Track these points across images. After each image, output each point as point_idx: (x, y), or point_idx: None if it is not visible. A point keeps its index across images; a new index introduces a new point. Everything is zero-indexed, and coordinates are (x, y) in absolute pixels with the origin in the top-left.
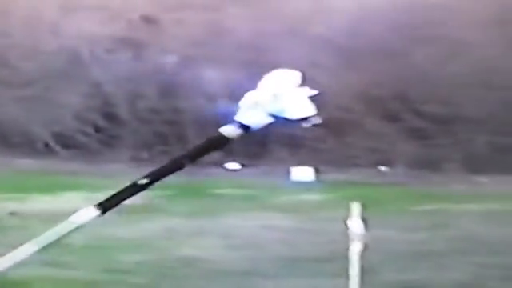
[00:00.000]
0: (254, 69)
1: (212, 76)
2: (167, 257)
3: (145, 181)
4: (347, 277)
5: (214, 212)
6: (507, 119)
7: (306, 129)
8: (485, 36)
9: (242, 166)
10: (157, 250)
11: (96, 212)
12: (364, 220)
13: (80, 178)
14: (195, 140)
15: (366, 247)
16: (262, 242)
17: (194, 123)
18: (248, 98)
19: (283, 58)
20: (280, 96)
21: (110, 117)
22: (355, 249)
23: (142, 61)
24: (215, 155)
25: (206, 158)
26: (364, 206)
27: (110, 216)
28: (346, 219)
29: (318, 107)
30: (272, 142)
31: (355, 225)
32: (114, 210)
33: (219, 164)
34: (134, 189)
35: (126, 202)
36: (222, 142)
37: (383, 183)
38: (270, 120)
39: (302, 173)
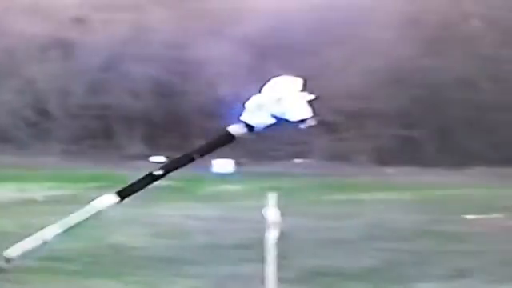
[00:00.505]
0: (178, 66)
1: (138, 73)
2: (98, 244)
3: (160, 172)
4: (264, 262)
5: (142, 202)
6: (414, 114)
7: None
8: (396, 35)
9: (167, 158)
10: (88, 237)
11: (116, 199)
12: (280, 209)
13: (11, 170)
14: (122, 135)
15: (281, 234)
16: (186, 230)
17: (121, 118)
18: (253, 100)
19: (205, 56)
20: (283, 99)
21: (42, 112)
22: (271, 236)
23: (72, 59)
24: (141, 148)
25: (132, 150)
26: (280, 196)
27: (43, 206)
28: (264, 208)
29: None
30: (194, 136)
31: (272, 213)
32: (51, 200)
33: (145, 157)
34: (150, 178)
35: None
36: (228, 140)
37: (299, 174)
38: (273, 121)
39: (223, 165)
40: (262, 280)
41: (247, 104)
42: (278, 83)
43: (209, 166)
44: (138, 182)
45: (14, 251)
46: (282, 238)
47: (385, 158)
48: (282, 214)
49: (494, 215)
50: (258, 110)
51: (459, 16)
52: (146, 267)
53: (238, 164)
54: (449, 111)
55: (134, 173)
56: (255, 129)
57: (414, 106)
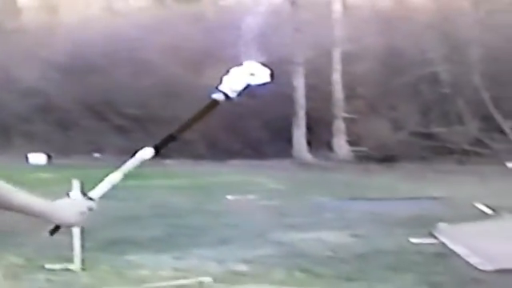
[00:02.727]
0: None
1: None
2: None
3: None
4: (71, 235)
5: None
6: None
7: (39, 126)
8: (165, 58)
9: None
10: None
11: (153, 151)
12: (84, 193)
13: None
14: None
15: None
16: None
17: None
18: (230, 74)
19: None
20: (253, 70)
21: None
22: None
23: None
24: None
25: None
26: (83, 183)
27: None
28: (69, 192)
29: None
30: (15, 135)
31: (75, 196)
32: None
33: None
34: (170, 138)
35: None
36: (214, 105)
37: (97, 166)
38: (244, 87)
39: (37, 158)
40: (72, 248)
41: (224, 77)
42: (248, 65)
43: (26, 158)
44: (165, 140)
45: (95, 195)
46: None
47: (164, 152)
48: (86, 197)
49: (249, 196)
50: (235, 80)
51: (219, 43)
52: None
53: (49, 157)
54: (212, 118)
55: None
56: (230, 96)
57: (184, 113)
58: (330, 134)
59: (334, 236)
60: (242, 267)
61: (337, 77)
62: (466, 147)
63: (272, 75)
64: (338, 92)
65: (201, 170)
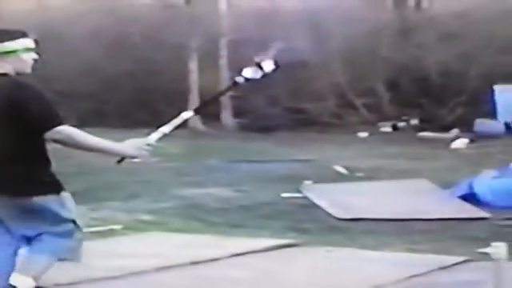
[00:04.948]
0: None
1: None
2: None
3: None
4: None
5: None
6: (103, 93)
7: None
8: (86, 44)
9: None
10: None
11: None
12: None
13: None
14: None
15: None
16: None
17: None
18: (249, 68)
19: None
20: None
21: None
22: None
23: None
24: None
25: None
26: None
27: None
28: None
29: None
30: None
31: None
32: None
33: None
34: (204, 104)
35: None
36: (236, 84)
37: None
38: (259, 75)
39: None
40: None
41: (245, 69)
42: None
43: None
44: (203, 104)
45: (152, 138)
46: None
47: (83, 122)
48: None
49: (153, 159)
50: (252, 70)
51: (126, 33)
52: None
53: None
54: (124, 93)
55: None
56: (249, 80)
57: (100, 89)
58: (219, 108)
59: (222, 191)
60: (147, 217)
61: (223, 61)
62: (326, 120)
63: (277, 66)
64: (225, 73)
65: (114, 136)
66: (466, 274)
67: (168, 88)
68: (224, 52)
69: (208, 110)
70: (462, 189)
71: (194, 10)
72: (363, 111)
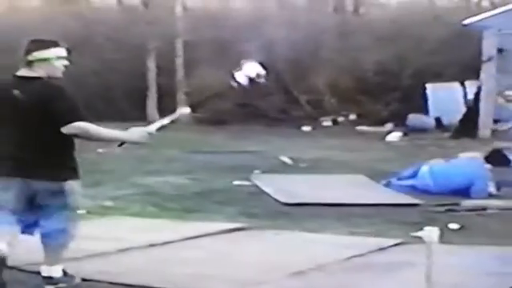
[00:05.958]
0: None
1: None
2: None
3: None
4: None
5: None
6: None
7: None
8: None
9: None
10: None
11: (188, 109)
12: None
13: None
14: None
15: None
16: None
17: None
18: (242, 71)
19: None
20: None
21: None
22: None
23: None
24: None
25: None
26: None
27: None
28: None
29: None
30: None
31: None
32: None
33: None
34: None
35: None
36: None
37: None
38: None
39: None
40: None
41: (237, 73)
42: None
43: None
44: (210, 97)
45: (152, 128)
46: None
47: None
48: None
49: (116, 150)
50: (243, 73)
51: (89, 34)
52: None
53: None
54: (88, 90)
55: None
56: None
57: (69, 86)
58: (175, 103)
59: (179, 179)
60: (109, 203)
61: (179, 60)
62: (274, 115)
63: (266, 70)
64: (180, 72)
65: None
66: (400, 255)
67: (128, 85)
68: (180, 52)
69: (166, 105)
70: (408, 172)
71: (151, 13)
72: (307, 107)
